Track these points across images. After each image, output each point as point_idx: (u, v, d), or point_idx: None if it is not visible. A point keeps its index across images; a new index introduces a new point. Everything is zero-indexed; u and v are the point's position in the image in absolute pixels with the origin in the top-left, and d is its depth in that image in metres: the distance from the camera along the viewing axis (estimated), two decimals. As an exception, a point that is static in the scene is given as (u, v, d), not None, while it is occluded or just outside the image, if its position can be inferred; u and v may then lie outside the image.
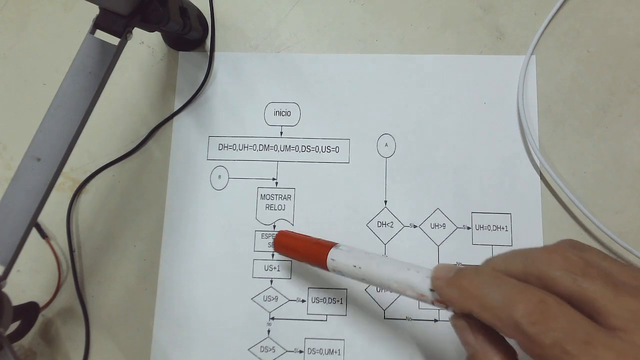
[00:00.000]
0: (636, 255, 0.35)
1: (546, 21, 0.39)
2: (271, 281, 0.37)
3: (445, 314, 0.36)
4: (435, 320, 0.36)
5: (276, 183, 0.39)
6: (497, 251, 0.37)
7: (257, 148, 0.40)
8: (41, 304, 0.37)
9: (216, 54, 0.41)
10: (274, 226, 0.38)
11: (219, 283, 0.38)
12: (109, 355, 0.37)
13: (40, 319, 0.38)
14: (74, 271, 0.38)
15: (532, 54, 0.39)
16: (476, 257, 0.37)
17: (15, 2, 0.43)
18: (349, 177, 0.39)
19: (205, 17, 0.41)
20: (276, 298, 0.37)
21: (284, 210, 0.38)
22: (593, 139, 0.38)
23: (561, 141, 0.38)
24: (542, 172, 0.38)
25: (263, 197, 0.39)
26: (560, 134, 0.38)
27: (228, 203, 0.39)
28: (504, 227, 0.37)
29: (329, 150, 0.39)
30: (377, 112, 0.39)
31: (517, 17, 0.40)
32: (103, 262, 0.39)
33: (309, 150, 0.39)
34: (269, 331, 0.37)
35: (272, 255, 0.38)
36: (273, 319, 0.37)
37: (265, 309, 0.37)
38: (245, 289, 0.37)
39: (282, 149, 0.39)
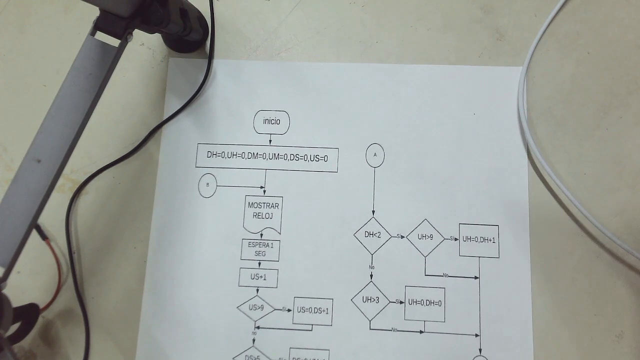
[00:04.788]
0: (636, 257, 0.35)
1: (546, 23, 0.39)
2: (257, 290, 0.37)
3: (431, 326, 0.36)
4: (421, 332, 0.36)
5: (264, 191, 0.39)
6: (484, 263, 0.37)
7: (246, 156, 0.39)
8: (41, 306, 0.37)
9: (207, 61, 0.41)
10: (261, 235, 0.38)
11: (205, 291, 0.37)
12: (108, 356, 0.37)
13: (40, 321, 0.38)
14: (73, 273, 0.38)
15: (532, 55, 0.39)
16: (462, 267, 0.37)
17: (16, 4, 0.43)
18: (337, 187, 0.38)
19: (206, 18, 0.41)
20: (262, 307, 0.37)
21: (271, 219, 0.38)
22: (593, 140, 0.38)
23: (561, 143, 0.38)
24: (542, 173, 0.38)
25: (251, 205, 0.39)
26: (560, 136, 0.38)
27: (216, 211, 0.39)
28: (491, 239, 0.37)
29: (317, 159, 0.39)
30: (366, 122, 0.39)
31: (517, 19, 0.40)
32: (103, 263, 0.39)
33: (297, 158, 0.39)
34: (254, 340, 0.37)
35: (259, 263, 0.38)
36: (258, 327, 0.37)
37: (250, 318, 0.37)
38: (230, 298, 0.37)
39: (270, 157, 0.39)
